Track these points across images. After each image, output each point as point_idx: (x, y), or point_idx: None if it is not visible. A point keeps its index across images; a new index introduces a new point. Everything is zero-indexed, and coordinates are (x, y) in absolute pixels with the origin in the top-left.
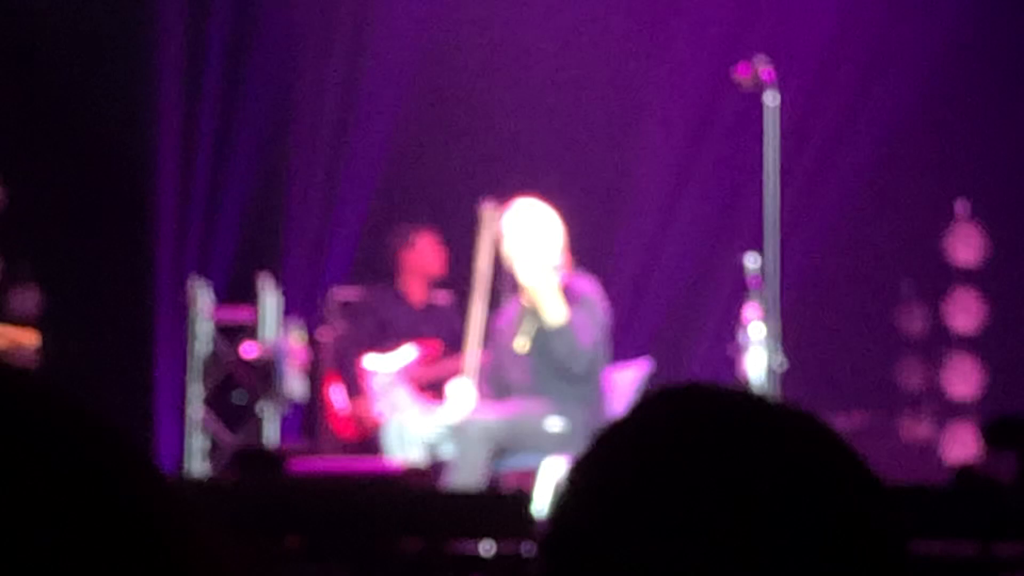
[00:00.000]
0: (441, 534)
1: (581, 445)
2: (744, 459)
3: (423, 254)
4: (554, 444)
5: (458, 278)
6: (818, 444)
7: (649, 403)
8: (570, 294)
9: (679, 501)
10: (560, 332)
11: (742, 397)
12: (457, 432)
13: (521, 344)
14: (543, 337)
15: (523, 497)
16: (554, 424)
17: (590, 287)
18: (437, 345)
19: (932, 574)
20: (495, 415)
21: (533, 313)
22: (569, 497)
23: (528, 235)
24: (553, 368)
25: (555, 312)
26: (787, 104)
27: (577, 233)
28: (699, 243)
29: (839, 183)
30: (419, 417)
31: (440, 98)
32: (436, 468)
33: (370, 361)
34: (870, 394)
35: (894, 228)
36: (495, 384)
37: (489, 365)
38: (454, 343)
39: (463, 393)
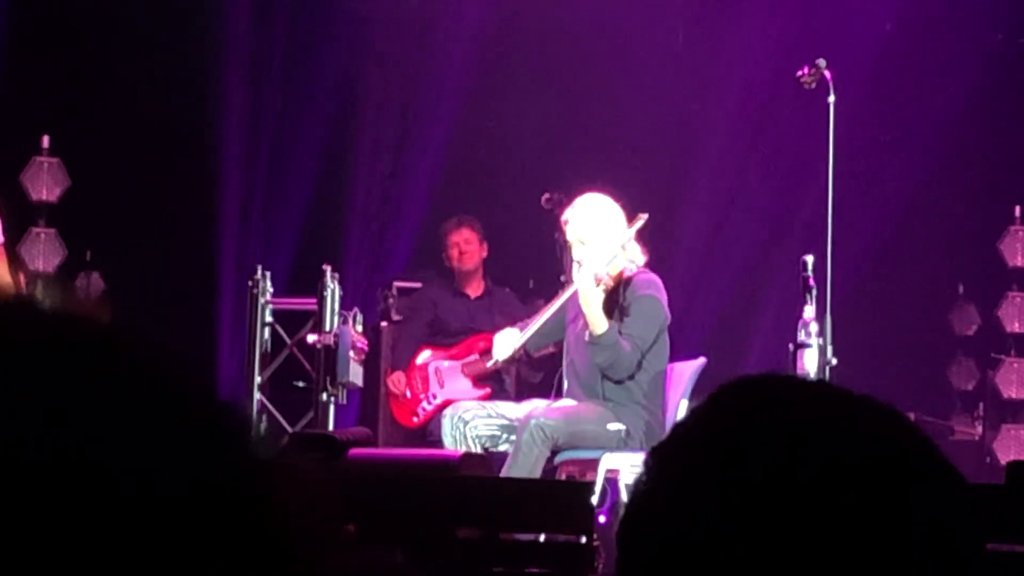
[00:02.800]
0: (498, 523)
1: (638, 444)
2: (822, 447)
3: (449, 254)
4: (613, 445)
5: (519, 268)
6: (897, 435)
7: (725, 393)
8: (634, 288)
9: (754, 488)
10: (600, 343)
11: (818, 386)
12: (519, 429)
13: (584, 327)
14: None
15: (581, 487)
16: (614, 426)
17: (651, 285)
18: (491, 338)
19: (986, 574)
20: (557, 416)
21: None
22: (645, 486)
23: (585, 232)
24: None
25: (596, 324)
26: (845, 106)
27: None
28: (756, 242)
29: (896, 185)
30: (477, 410)
31: (502, 91)
32: (492, 459)
33: (428, 353)
34: (923, 395)
35: (949, 230)
36: (567, 366)
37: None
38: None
39: (508, 339)
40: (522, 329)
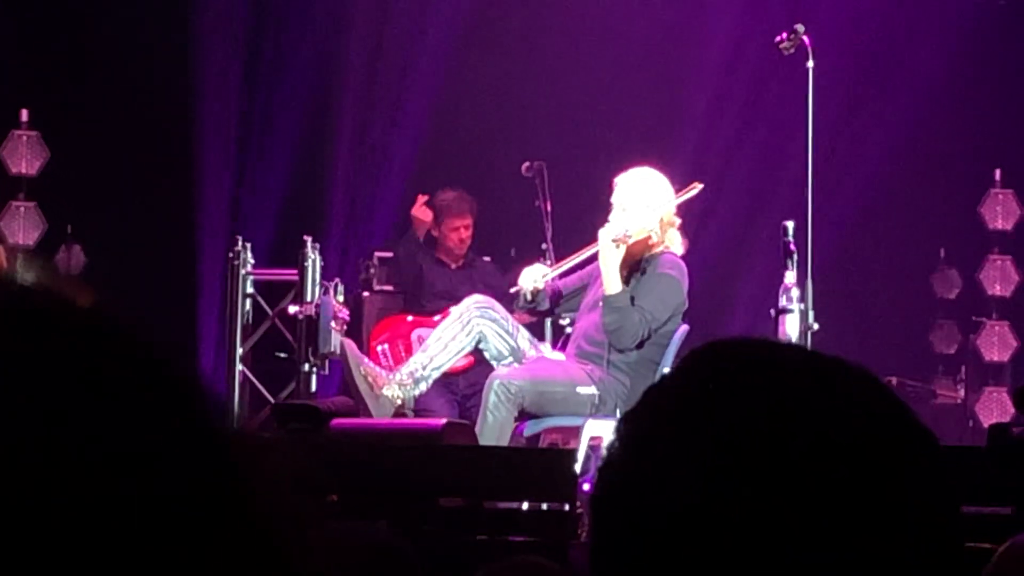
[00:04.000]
0: (481, 492)
1: (611, 411)
2: (794, 408)
3: (445, 235)
4: (584, 410)
5: (501, 238)
6: (871, 395)
7: (697, 356)
8: (655, 265)
9: (726, 450)
10: (612, 303)
11: (789, 349)
12: (485, 389)
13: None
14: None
15: (564, 455)
16: (585, 390)
17: (675, 267)
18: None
19: (967, 535)
20: (523, 375)
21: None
22: (618, 453)
23: (627, 198)
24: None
25: (610, 283)
26: (824, 72)
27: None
28: (737, 209)
29: (876, 150)
30: (500, 318)
31: (484, 63)
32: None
33: (415, 321)
34: (906, 358)
35: (930, 195)
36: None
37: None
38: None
39: (534, 271)
40: (551, 267)
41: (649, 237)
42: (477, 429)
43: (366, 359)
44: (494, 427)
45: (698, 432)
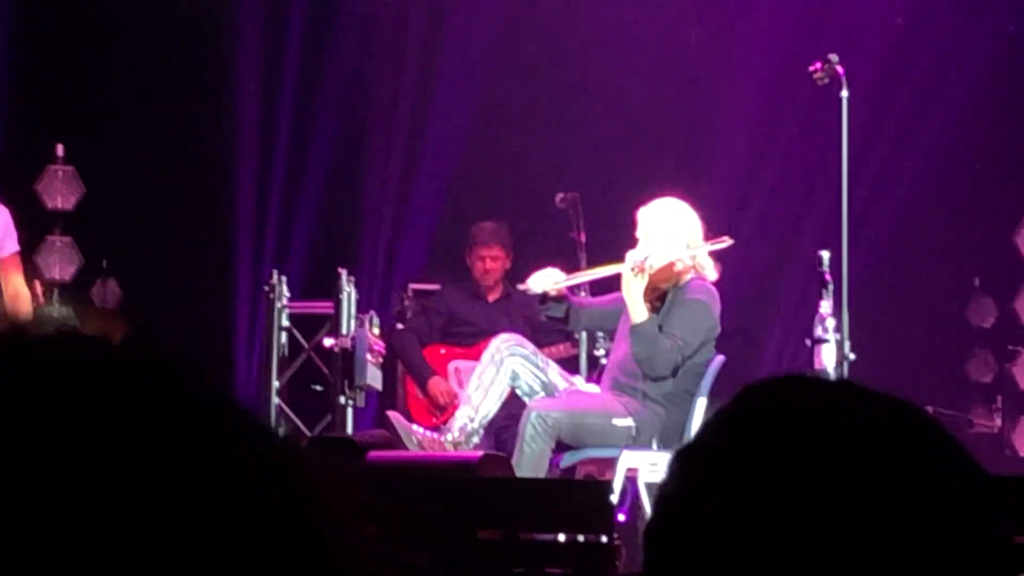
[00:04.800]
0: (518, 524)
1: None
2: (849, 446)
3: (474, 264)
4: (621, 441)
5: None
6: (927, 437)
7: (749, 394)
8: (683, 291)
9: (781, 487)
10: (640, 332)
11: (840, 386)
12: (522, 421)
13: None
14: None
15: (601, 487)
16: (621, 422)
17: (704, 291)
18: None
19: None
20: (559, 407)
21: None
22: (671, 488)
23: (651, 228)
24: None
25: (634, 312)
26: (858, 101)
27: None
28: (772, 239)
29: (910, 178)
30: (529, 354)
31: (515, 94)
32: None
33: (450, 352)
34: (941, 388)
35: (965, 224)
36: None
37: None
38: (533, 333)
39: (548, 274)
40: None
41: (673, 265)
42: (514, 461)
43: (415, 427)
44: (531, 458)
45: (753, 468)
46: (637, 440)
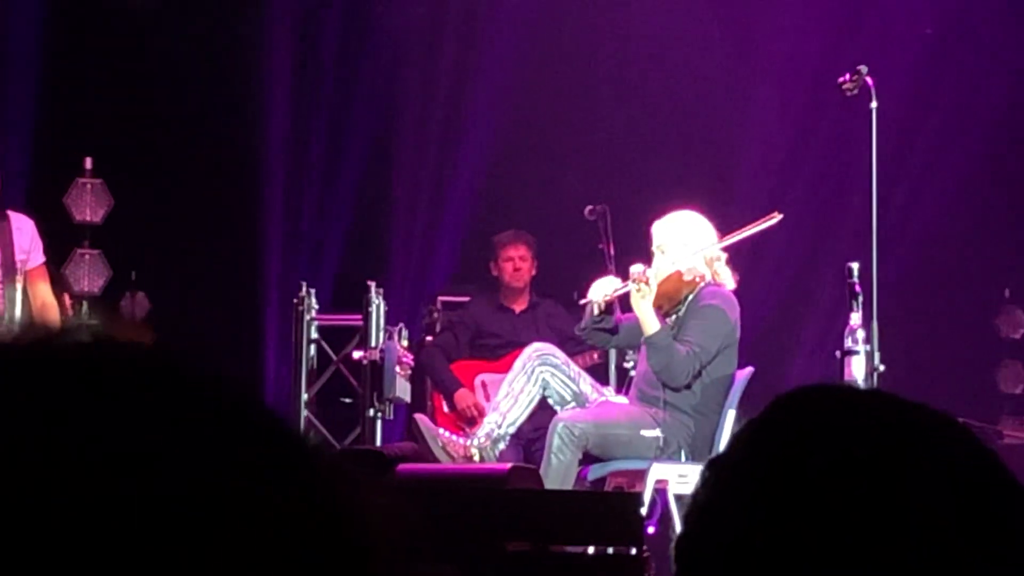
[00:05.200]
0: (547, 536)
1: (677, 454)
2: (881, 455)
3: (502, 267)
4: (649, 453)
5: (564, 281)
6: (958, 443)
7: (783, 402)
8: (698, 298)
9: (812, 497)
10: (651, 343)
11: (872, 397)
12: (549, 432)
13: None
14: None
15: (630, 499)
16: (649, 433)
17: (717, 296)
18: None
19: None
20: (587, 418)
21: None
22: (703, 498)
23: (665, 241)
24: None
25: (646, 325)
26: (887, 112)
27: None
28: (801, 250)
29: (940, 189)
30: (561, 363)
31: (543, 107)
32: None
33: (478, 366)
34: (971, 399)
35: (994, 234)
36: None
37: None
38: (561, 343)
39: (607, 282)
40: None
41: (681, 274)
42: (541, 472)
43: (441, 431)
44: (559, 470)
45: (781, 477)
46: (665, 451)
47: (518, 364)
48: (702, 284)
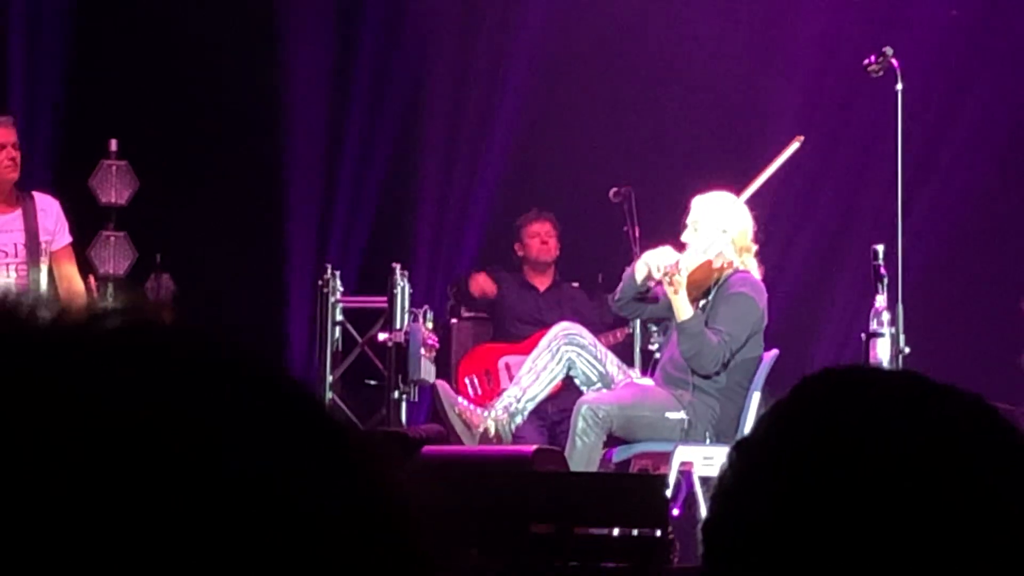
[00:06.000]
0: (572, 518)
1: (701, 436)
2: (907, 436)
3: (527, 244)
4: (673, 435)
5: (588, 263)
6: (987, 423)
7: (809, 385)
8: (726, 286)
9: (839, 478)
10: (686, 329)
11: (901, 377)
12: (573, 415)
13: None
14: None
15: (655, 481)
16: (674, 415)
17: (747, 284)
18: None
19: None
20: (611, 399)
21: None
22: (730, 480)
23: (700, 218)
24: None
25: (679, 310)
26: (913, 94)
27: None
28: (826, 232)
29: (966, 171)
30: (589, 345)
31: (567, 85)
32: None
33: (501, 349)
34: (997, 382)
35: (1020, 216)
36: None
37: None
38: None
39: (663, 255)
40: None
41: (711, 263)
42: (566, 454)
43: (460, 399)
44: (583, 452)
45: (809, 458)
46: (689, 434)
47: (544, 342)
48: (730, 271)
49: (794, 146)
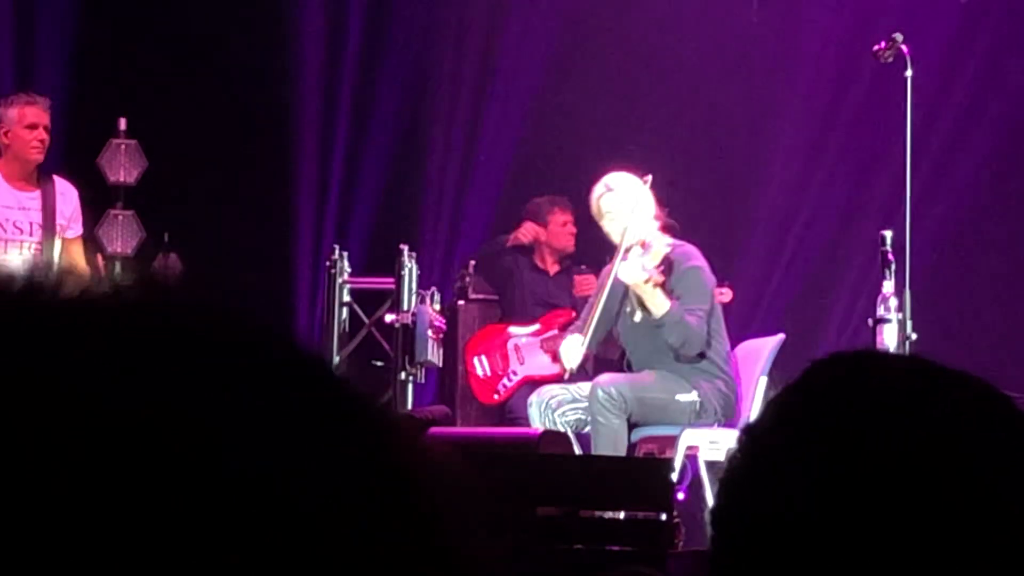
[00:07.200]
0: (578, 501)
1: (712, 417)
2: (914, 420)
3: (556, 232)
4: (685, 418)
5: (595, 248)
6: (998, 409)
7: (819, 369)
8: (676, 266)
9: (846, 462)
10: (668, 322)
11: (912, 362)
12: (590, 403)
13: (630, 313)
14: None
15: (661, 464)
16: (685, 397)
17: (689, 256)
18: (570, 314)
19: None
20: (623, 381)
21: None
22: (740, 463)
23: (611, 209)
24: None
25: (658, 306)
26: (922, 80)
27: (714, 206)
28: (834, 218)
29: (975, 158)
30: (563, 395)
31: (577, 69)
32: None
33: (509, 327)
34: (1006, 369)
35: None
36: (630, 355)
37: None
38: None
39: (574, 347)
40: (581, 332)
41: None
42: (592, 441)
43: None
44: (608, 436)
45: (819, 443)
46: (701, 416)
47: (537, 422)
48: (667, 249)
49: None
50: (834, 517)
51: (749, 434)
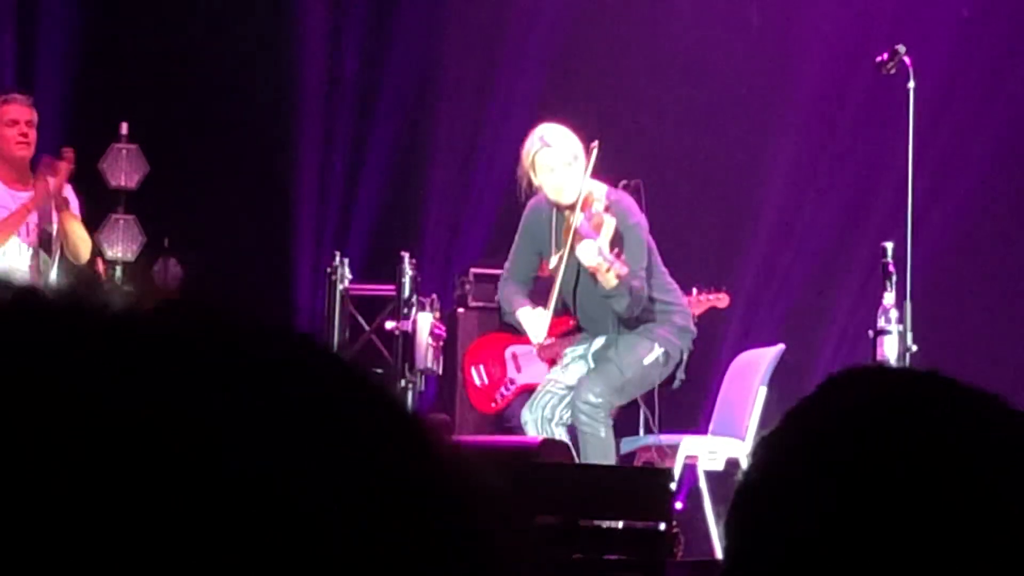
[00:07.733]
0: (577, 510)
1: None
2: (932, 436)
3: None
4: (657, 373)
5: None
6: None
7: (837, 382)
8: (620, 220)
9: (862, 476)
10: (616, 294)
11: (929, 377)
12: (575, 416)
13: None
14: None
15: (660, 474)
16: (650, 358)
17: (628, 211)
18: (568, 323)
19: None
20: (601, 387)
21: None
22: (754, 475)
23: (564, 162)
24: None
25: (609, 281)
26: (925, 92)
27: (714, 215)
28: (835, 228)
29: (976, 169)
30: (552, 399)
31: (578, 80)
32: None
33: (508, 336)
34: (1007, 381)
35: None
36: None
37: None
38: None
39: (540, 320)
40: (545, 307)
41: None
42: (582, 453)
43: None
44: (597, 447)
45: (835, 457)
46: (667, 364)
47: (534, 433)
48: (601, 198)
49: (593, 153)
50: (855, 534)
51: (765, 446)
